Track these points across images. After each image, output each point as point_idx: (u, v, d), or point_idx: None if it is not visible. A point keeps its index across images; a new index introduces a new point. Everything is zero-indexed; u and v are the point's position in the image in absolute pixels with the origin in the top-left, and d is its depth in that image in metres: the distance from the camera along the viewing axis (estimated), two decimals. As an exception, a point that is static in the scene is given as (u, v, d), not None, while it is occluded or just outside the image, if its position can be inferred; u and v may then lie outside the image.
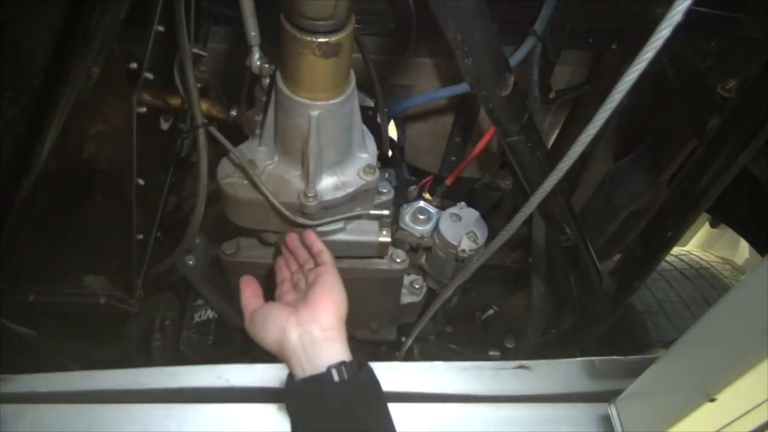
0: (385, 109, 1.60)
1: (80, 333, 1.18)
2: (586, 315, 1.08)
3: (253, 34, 0.83)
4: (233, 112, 1.10)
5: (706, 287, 1.74)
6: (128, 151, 0.74)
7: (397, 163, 1.52)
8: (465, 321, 1.76)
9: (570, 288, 1.04)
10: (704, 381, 0.67)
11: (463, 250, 1.00)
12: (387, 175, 1.50)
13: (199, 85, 0.92)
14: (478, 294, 1.59)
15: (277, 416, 0.85)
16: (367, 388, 0.69)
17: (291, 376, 0.71)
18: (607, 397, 0.87)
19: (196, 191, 0.90)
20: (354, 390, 0.68)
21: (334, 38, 0.71)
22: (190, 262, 1.16)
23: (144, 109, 0.72)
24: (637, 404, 0.82)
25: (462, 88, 1.20)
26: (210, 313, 1.19)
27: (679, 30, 0.91)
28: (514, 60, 1.34)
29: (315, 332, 0.70)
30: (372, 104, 1.45)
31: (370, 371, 0.71)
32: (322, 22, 0.70)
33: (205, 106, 1.04)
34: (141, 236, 0.89)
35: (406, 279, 1.14)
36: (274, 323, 0.73)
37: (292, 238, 0.89)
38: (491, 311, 1.78)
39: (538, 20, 1.33)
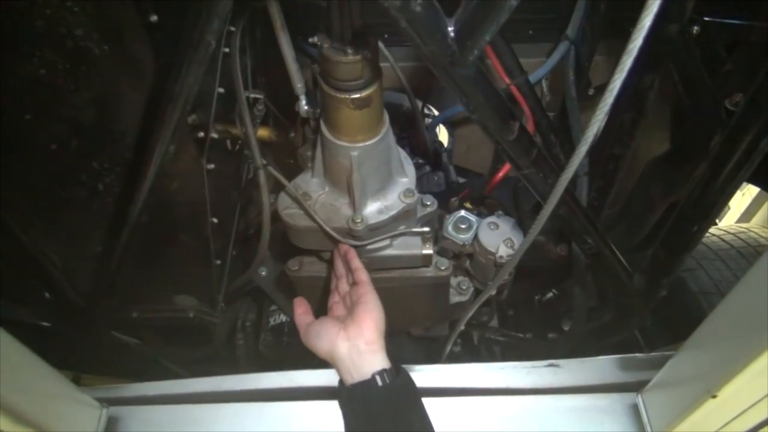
0: (435, 114, 1.71)
1: (175, 339, 1.37)
2: (621, 311, 1.16)
3: (299, 85, 0.96)
4: (292, 134, 1.24)
5: (765, 266, 1.73)
6: (203, 201, 0.89)
7: (445, 166, 1.62)
8: (526, 303, 1.84)
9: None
10: (708, 376, 0.75)
11: (501, 257, 1.10)
12: (436, 177, 1.62)
13: (258, 121, 1.07)
14: (533, 281, 1.66)
15: (332, 410, 1.00)
16: (404, 390, 0.81)
17: (341, 381, 0.83)
18: (636, 387, 0.96)
19: (261, 220, 1.05)
20: (394, 392, 0.80)
21: (364, 93, 0.83)
22: (263, 273, 1.32)
23: (212, 166, 0.87)
24: (661, 395, 0.90)
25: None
26: (283, 317, 1.35)
27: (689, 44, 0.96)
28: (549, 65, 1.41)
29: (361, 345, 0.83)
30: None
31: (406, 374, 0.83)
32: (352, 82, 0.82)
33: (265, 133, 1.18)
34: (218, 261, 1.05)
35: (454, 280, 1.25)
36: (327, 337, 0.85)
37: (341, 248, 1.02)
38: (551, 294, 1.85)
39: (569, 25, 1.39)
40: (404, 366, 0.86)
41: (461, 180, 1.55)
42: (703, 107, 0.91)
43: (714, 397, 0.73)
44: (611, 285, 1.09)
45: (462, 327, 1.08)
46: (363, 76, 0.81)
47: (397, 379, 0.80)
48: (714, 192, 0.83)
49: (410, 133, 1.59)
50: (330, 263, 1.11)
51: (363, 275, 0.95)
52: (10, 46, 0.66)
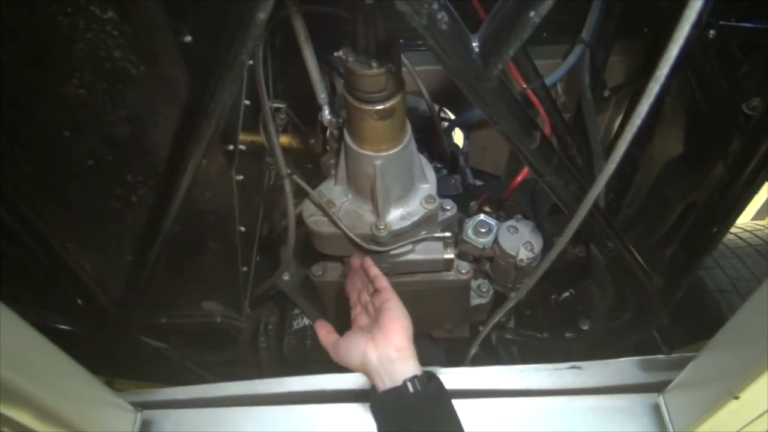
0: (453, 118, 1.72)
1: (200, 343, 1.40)
2: (640, 311, 1.17)
3: (323, 96, 0.99)
4: (311, 141, 1.27)
5: (781, 264, 1.74)
6: (232, 210, 0.92)
7: (462, 169, 1.64)
8: (543, 303, 1.86)
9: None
10: (731, 377, 0.77)
11: (521, 260, 1.12)
12: (453, 180, 1.63)
13: (280, 130, 1.09)
14: (550, 281, 1.68)
15: (356, 413, 1.03)
16: (436, 395, 0.82)
17: (374, 388, 0.84)
18: (658, 388, 0.98)
19: (286, 229, 1.07)
20: (426, 398, 0.80)
21: (388, 104, 0.85)
22: (285, 278, 1.35)
23: (242, 177, 0.89)
24: (683, 395, 0.92)
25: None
26: (306, 321, 1.37)
27: (706, 48, 0.97)
28: (564, 68, 1.42)
29: (391, 353, 0.83)
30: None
31: (438, 381, 0.83)
32: (376, 94, 0.84)
33: (285, 140, 1.20)
34: (245, 268, 1.08)
35: (474, 283, 1.27)
36: (356, 349, 0.86)
37: (354, 261, 1.03)
38: (567, 294, 1.86)
39: (584, 27, 1.40)
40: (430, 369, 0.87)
41: (478, 183, 1.57)
42: (720, 111, 0.92)
43: (736, 398, 0.75)
44: (630, 286, 1.10)
45: (485, 333, 1.09)
46: (387, 87, 0.83)
47: (428, 385, 0.81)
48: (734, 195, 0.85)
49: (427, 137, 1.61)
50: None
51: (383, 282, 0.95)
52: (51, 67, 0.69)
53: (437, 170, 1.62)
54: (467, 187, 1.56)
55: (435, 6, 0.60)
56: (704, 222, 0.94)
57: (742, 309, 0.77)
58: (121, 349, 1.19)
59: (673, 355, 0.98)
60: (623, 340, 1.37)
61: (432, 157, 1.65)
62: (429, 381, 0.82)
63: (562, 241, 0.82)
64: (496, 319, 1.12)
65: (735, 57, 1.01)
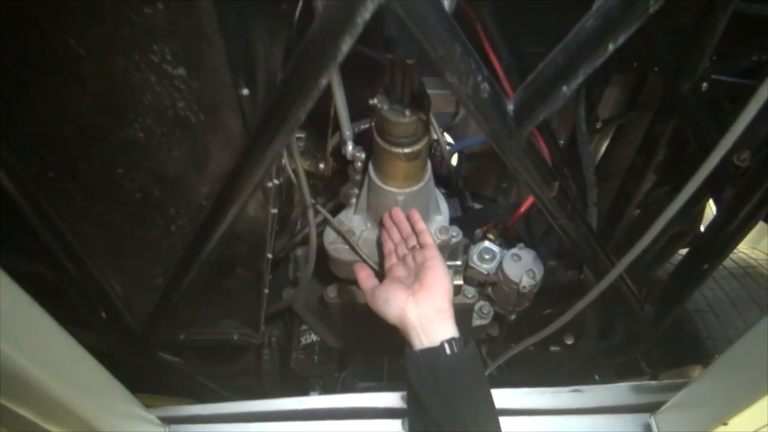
0: (450, 141, 1.80)
1: (211, 356, 1.45)
2: (630, 334, 1.26)
3: (347, 132, 1.05)
4: (321, 165, 1.33)
5: (753, 286, 1.85)
6: (264, 240, 0.98)
7: (461, 192, 1.72)
8: (528, 317, 1.95)
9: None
10: (721, 405, 0.86)
11: (524, 287, 1.21)
12: (453, 202, 1.71)
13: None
14: (542, 300, 1.77)
15: (379, 430, 1.09)
16: (471, 361, 0.82)
17: (409, 345, 0.84)
18: (650, 409, 1.07)
19: (307, 256, 1.14)
20: (461, 361, 0.80)
21: (415, 148, 0.92)
22: (292, 293, 1.41)
23: (276, 210, 0.95)
24: (674, 417, 1.01)
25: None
26: (313, 337, 1.43)
27: (699, 99, 1.07)
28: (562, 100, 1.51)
29: (431, 313, 0.83)
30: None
31: (472, 345, 0.83)
32: (405, 139, 0.91)
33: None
34: (267, 290, 1.14)
35: (476, 305, 1.35)
36: (395, 303, 0.85)
37: (397, 212, 1.03)
38: (549, 310, 1.96)
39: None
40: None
41: (477, 205, 1.65)
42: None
43: (725, 424, 0.83)
44: (622, 311, 1.19)
45: (493, 368, 1.17)
46: (416, 133, 0.91)
47: (465, 350, 0.81)
48: (726, 237, 0.94)
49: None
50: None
51: (429, 238, 0.96)
52: (118, 115, 0.74)
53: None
54: (466, 210, 1.64)
55: (479, 78, 0.67)
56: (697, 259, 1.03)
57: (736, 343, 0.86)
58: (140, 363, 1.24)
59: (665, 381, 1.07)
60: (611, 359, 1.46)
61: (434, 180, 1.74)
62: (465, 344, 0.82)
63: (585, 302, 0.91)
64: (501, 360, 1.18)
65: (724, 107, 1.11)
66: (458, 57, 0.64)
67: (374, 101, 0.89)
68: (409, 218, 1.02)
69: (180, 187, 0.86)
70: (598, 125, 1.61)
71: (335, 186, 1.30)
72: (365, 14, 0.59)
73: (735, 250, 2.08)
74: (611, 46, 0.64)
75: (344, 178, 1.19)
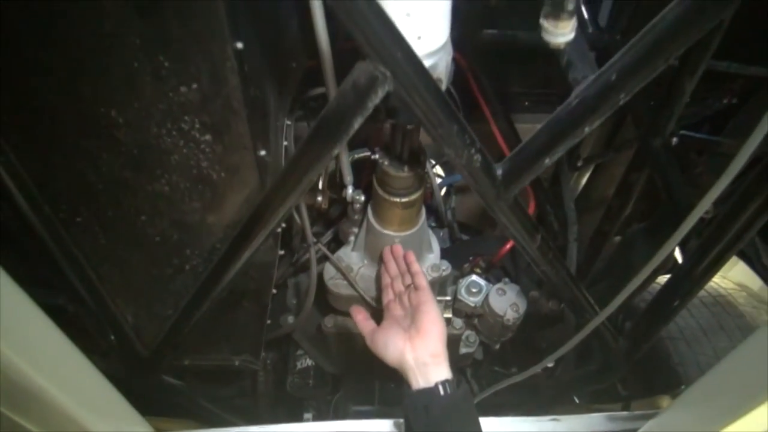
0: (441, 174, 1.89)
1: (210, 379, 1.52)
2: (605, 364, 1.36)
3: (349, 177, 1.14)
4: (319, 198, 1.41)
5: (722, 314, 1.96)
6: (270, 278, 1.06)
7: (450, 223, 1.81)
8: (511, 340, 2.04)
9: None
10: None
11: (508, 320, 1.30)
12: (441, 234, 1.80)
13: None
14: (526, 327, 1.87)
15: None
16: (463, 400, 0.89)
17: (408, 386, 0.92)
18: (623, 436, 1.16)
19: (308, 290, 1.22)
20: (455, 401, 0.88)
21: (412, 198, 1.01)
22: (290, 321, 1.48)
23: (283, 252, 1.04)
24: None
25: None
26: (309, 361, 1.51)
27: (669, 153, 1.17)
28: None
29: (426, 357, 0.91)
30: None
31: (466, 387, 0.91)
32: (403, 190, 1.00)
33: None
34: (269, 321, 1.22)
35: (463, 335, 1.44)
36: (395, 347, 0.93)
37: (396, 248, 1.11)
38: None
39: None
40: None
41: (464, 236, 1.74)
42: (680, 211, 1.12)
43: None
44: (598, 343, 1.28)
45: (482, 396, 1.25)
46: (413, 186, 1.00)
47: (458, 390, 0.89)
48: (691, 282, 1.04)
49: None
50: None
51: (423, 280, 1.03)
52: (145, 171, 0.82)
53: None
54: (454, 241, 1.73)
55: (473, 151, 0.76)
56: (666, 299, 1.13)
57: (704, 376, 0.95)
58: (145, 386, 1.31)
59: (637, 412, 1.16)
60: (587, 387, 1.56)
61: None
62: (458, 386, 0.90)
63: (566, 348, 1.01)
64: (485, 393, 1.27)
65: (691, 159, 1.22)
66: (455, 134, 0.73)
67: (376, 156, 0.98)
68: (405, 259, 1.10)
69: (197, 233, 0.94)
70: (579, 164, 1.71)
71: (330, 214, 1.39)
72: (375, 99, 0.68)
73: (706, 280, 2.20)
74: (587, 129, 0.73)
75: (339, 207, 1.28)
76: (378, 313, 1.07)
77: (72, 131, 0.76)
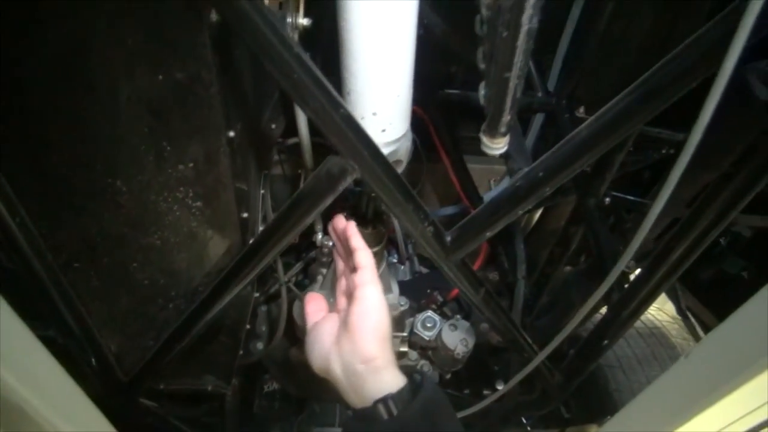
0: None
1: (181, 400, 1.63)
2: (544, 394, 1.52)
3: (319, 226, 1.27)
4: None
5: (657, 345, 2.15)
6: (247, 316, 1.19)
7: (410, 257, 1.95)
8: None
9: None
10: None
11: (458, 353, 1.44)
12: (402, 267, 1.94)
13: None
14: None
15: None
16: (422, 415, 0.63)
17: (346, 406, 0.71)
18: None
19: (277, 321, 1.34)
20: (406, 423, 0.62)
21: (374, 250, 1.15)
22: (259, 347, 1.60)
23: (258, 294, 1.16)
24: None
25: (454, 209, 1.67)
26: (275, 385, 1.63)
27: (601, 212, 1.33)
28: (499, 188, 1.78)
29: (357, 365, 0.68)
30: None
31: (425, 393, 0.65)
32: (367, 244, 1.13)
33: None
34: (242, 352, 1.34)
35: (418, 364, 1.58)
36: (320, 351, 0.73)
37: (336, 222, 0.92)
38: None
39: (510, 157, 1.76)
40: None
41: (424, 270, 1.88)
42: (605, 266, 1.28)
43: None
44: (536, 377, 1.44)
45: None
46: (376, 240, 1.13)
47: (409, 407, 0.63)
48: (616, 326, 1.20)
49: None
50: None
51: (364, 258, 0.80)
52: (140, 228, 0.94)
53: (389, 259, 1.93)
54: (414, 274, 1.87)
55: (426, 224, 0.90)
56: (595, 339, 1.29)
57: (625, 407, 1.09)
58: (121, 408, 1.41)
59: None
60: (529, 412, 1.72)
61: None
62: (414, 396, 0.65)
63: (510, 384, 1.15)
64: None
65: (622, 216, 1.39)
66: (411, 212, 0.87)
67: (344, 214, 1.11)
68: (344, 234, 0.88)
69: (182, 278, 1.06)
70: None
71: (300, 246, 1.51)
72: (345, 184, 0.82)
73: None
74: (520, 211, 0.88)
75: (306, 240, 1.40)
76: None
77: (80, 196, 0.87)
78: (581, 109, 1.49)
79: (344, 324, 0.73)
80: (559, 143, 0.81)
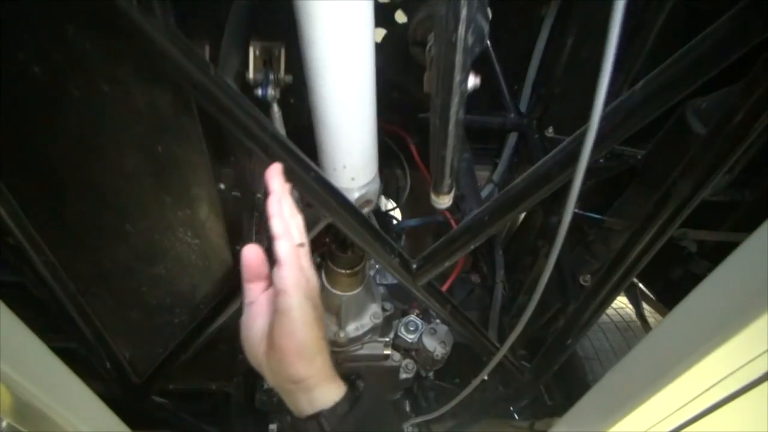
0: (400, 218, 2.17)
1: (189, 396, 1.80)
2: (516, 389, 1.67)
3: (307, 245, 1.41)
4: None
5: (633, 339, 2.29)
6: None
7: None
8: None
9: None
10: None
11: (437, 355, 1.59)
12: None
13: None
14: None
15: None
16: (360, 425, 0.63)
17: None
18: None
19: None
20: None
21: (354, 270, 1.29)
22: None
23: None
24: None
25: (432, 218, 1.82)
26: (274, 383, 1.80)
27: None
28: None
29: (287, 384, 0.66)
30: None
31: (362, 409, 0.64)
32: (348, 265, 1.28)
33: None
34: (241, 356, 1.49)
35: (402, 362, 1.73)
36: (250, 351, 0.69)
37: (272, 170, 0.74)
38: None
39: (495, 171, 1.89)
40: None
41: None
42: (565, 281, 1.42)
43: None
44: (507, 377, 1.59)
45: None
46: (355, 261, 1.28)
47: (345, 419, 0.63)
48: (576, 330, 1.34)
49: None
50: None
51: (283, 248, 0.68)
52: (148, 261, 1.09)
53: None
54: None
55: (392, 256, 1.04)
56: (560, 339, 1.43)
57: (579, 402, 1.24)
58: (135, 406, 1.58)
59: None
60: (508, 405, 1.87)
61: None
62: (351, 407, 0.65)
63: (476, 382, 1.30)
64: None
65: (584, 231, 1.52)
66: (379, 248, 1.02)
67: (327, 240, 1.26)
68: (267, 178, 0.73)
69: (186, 298, 1.21)
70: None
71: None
72: (320, 227, 0.96)
73: (623, 305, 2.53)
74: (472, 246, 1.02)
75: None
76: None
77: (95, 238, 1.02)
78: (550, 129, 1.62)
79: (270, 341, 0.67)
80: (499, 194, 0.94)
